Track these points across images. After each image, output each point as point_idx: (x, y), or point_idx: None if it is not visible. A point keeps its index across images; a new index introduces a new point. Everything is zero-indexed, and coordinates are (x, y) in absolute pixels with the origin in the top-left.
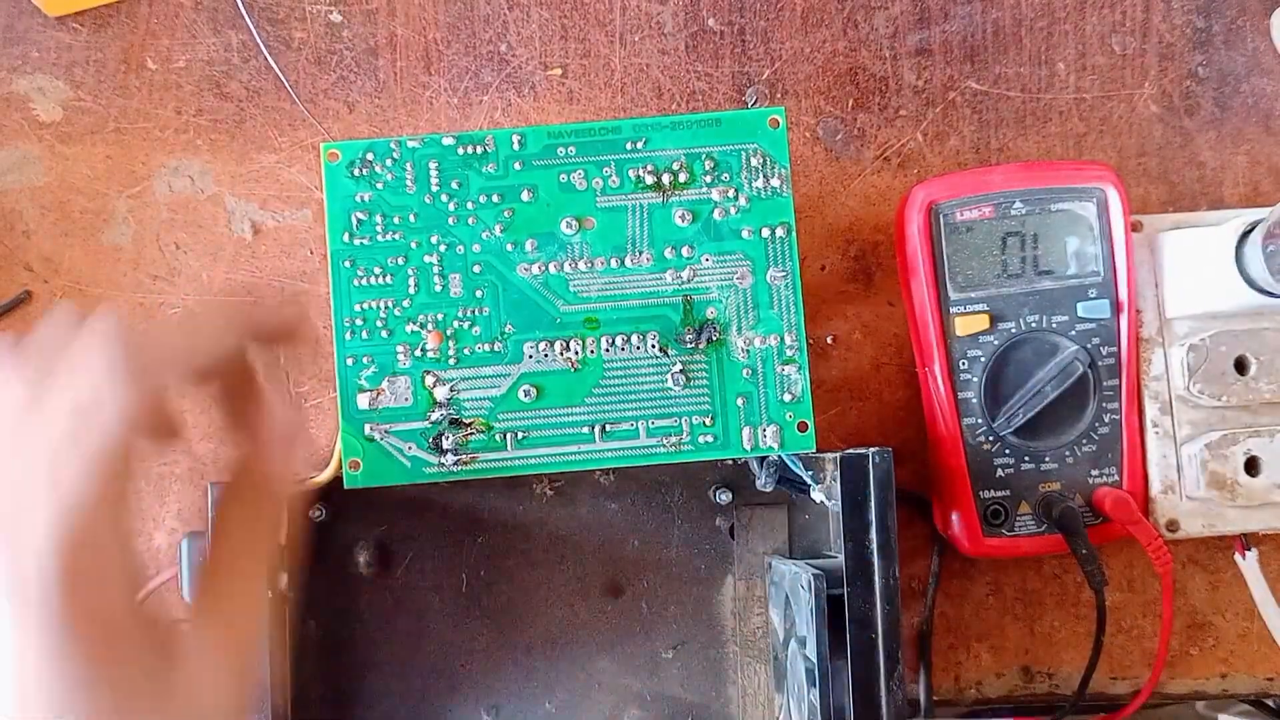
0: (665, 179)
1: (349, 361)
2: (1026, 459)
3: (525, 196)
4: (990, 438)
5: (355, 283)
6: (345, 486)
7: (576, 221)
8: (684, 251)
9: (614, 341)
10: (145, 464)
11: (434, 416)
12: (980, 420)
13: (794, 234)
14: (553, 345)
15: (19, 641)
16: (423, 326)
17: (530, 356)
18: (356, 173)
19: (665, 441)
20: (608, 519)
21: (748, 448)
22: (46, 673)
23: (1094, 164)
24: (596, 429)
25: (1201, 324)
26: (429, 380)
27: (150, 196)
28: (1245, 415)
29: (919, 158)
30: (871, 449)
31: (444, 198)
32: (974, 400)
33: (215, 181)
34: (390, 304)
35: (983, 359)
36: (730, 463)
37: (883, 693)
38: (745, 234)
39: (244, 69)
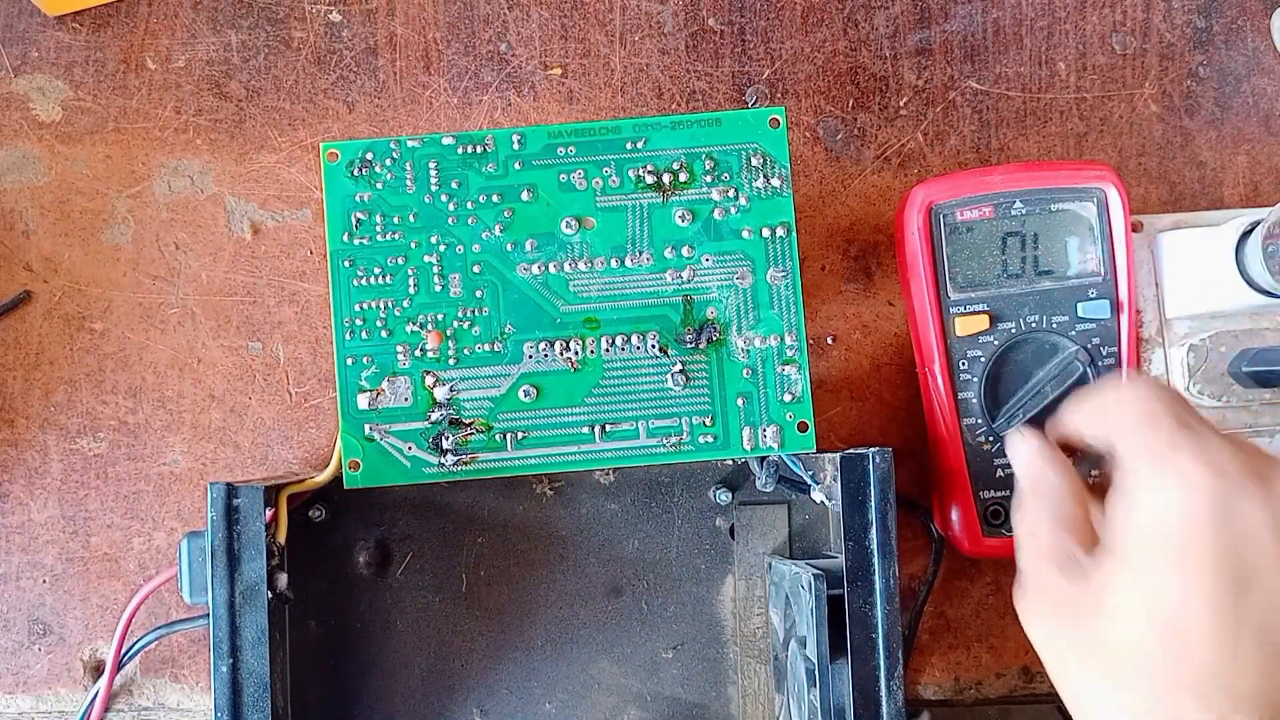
0: (665, 179)
1: (349, 361)
2: None
3: (525, 196)
4: (990, 438)
5: (355, 283)
6: (345, 486)
7: (576, 221)
8: (684, 251)
9: (614, 341)
10: None
11: (434, 416)
12: (980, 420)
13: (794, 234)
14: (553, 345)
15: None
16: (423, 326)
17: (530, 356)
18: (356, 172)
19: (665, 441)
20: (608, 519)
21: (748, 448)
22: None
23: (1094, 164)
24: (596, 429)
25: (1201, 324)
26: (429, 380)
27: (150, 196)
28: (1245, 415)
29: (919, 158)
30: (871, 449)
31: (444, 197)
32: (974, 400)
33: (215, 181)
34: (390, 304)
35: (983, 359)
36: (730, 463)
37: (883, 693)
38: (745, 234)
39: (244, 69)
